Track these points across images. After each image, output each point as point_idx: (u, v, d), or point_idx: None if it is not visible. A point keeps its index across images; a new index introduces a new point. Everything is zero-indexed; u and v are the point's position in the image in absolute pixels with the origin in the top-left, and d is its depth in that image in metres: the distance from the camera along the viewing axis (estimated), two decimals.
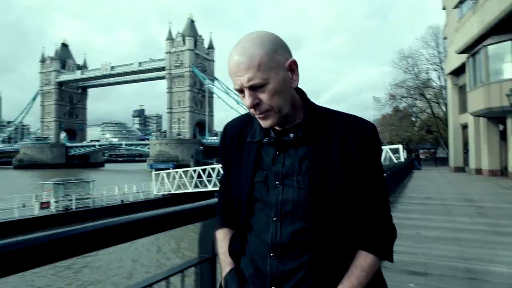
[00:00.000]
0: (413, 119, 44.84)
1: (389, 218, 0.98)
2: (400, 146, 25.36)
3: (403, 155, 23.94)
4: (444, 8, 25.61)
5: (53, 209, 21.98)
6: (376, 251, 0.93)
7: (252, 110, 0.95)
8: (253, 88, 0.91)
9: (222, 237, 1.10)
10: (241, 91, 0.93)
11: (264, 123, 0.96)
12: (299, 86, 0.99)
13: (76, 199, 23.11)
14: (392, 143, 34.05)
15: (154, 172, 30.64)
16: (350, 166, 0.92)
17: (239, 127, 1.08)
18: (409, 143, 43.26)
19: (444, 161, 32.43)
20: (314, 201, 0.91)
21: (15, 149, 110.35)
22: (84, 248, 0.93)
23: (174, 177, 29.92)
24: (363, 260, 0.92)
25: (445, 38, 28.74)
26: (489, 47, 16.36)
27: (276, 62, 0.91)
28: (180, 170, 30.25)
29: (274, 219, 0.95)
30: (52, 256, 0.85)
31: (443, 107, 36.49)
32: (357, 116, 0.99)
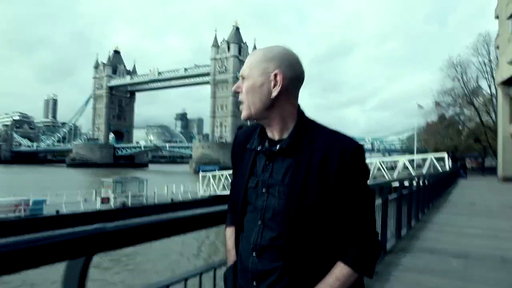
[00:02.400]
0: (460, 127, 43.72)
1: (371, 235, 1.02)
2: (445, 154, 25.20)
3: (448, 164, 23.82)
4: (497, 17, 25.27)
5: (112, 204, 23.91)
6: (353, 265, 0.97)
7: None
8: (242, 79, 1.06)
9: (229, 235, 1.19)
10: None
11: (241, 114, 1.09)
12: (305, 100, 1.30)
13: (132, 196, 24.96)
14: (437, 151, 33.58)
15: (201, 174, 32.17)
16: (328, 184, 0.96)
17: (246, 134, 1.17)
18: (455, 152, 42.20)
19: (492, 171, 31.53)
20: (289, 212, 0.97)
21: (68, 148, 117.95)
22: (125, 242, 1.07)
23: (219, 179, 31.31)
24: (339, 270, 0.97)
25: (497, 48, 28.18)
26: None
27: (262, 67, 1.03)
28: (225, 172, 31.61)
29: (259, 222, 1.03)
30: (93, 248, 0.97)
31: (493, 116, 35.46)
32: (345, 135, 1.02)
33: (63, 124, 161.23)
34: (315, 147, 1.00)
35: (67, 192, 24.71)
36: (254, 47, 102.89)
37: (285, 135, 1.05)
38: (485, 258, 4.28)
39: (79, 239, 0.99)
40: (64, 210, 21.23)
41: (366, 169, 1.03)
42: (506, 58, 20.01)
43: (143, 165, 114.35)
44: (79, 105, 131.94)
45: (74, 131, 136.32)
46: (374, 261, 1.03)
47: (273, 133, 1.07)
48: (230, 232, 1.19)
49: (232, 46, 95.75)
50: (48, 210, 20.73)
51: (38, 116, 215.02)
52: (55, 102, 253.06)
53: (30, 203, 20.04)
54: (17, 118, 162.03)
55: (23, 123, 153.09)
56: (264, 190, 1.04)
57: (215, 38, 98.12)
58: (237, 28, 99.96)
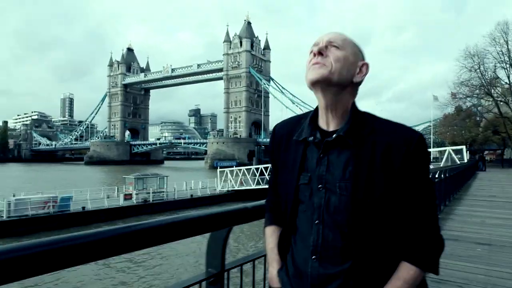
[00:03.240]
0: (478, 118, 43.19)
1: (435, 229, 0.96)
2: (463, 147, 25.16)
3: (466, 156, 23.80)
4: None
5: (134, 200, 24.63)
6: (420, 263, 0.92)
7: (313, 57, 1.00)
8: (328, 45, 1.00)
9: (270, 233, 1.14)
10: (314, 46, 1.02)
11: (313, 73, 0.98)
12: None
13: (152, 192, 25.65)
14: (455, 144, 33.38)
15: (219, 170, 32.73)
16: (394, 176, 0.92)
17: (288, 127, 1.10)
18: (473, 144, 41.78)
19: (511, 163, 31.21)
20: (355, 209, 0.91)
21: (86, 146, 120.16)
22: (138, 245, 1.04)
23: (237, 174, 31.80)
24: (406, 272, 0.92)
25: None
26: None
27: (354, 51, 1.02)
28: (243, 168, 32.06)
29: (316, 222, 0.96)
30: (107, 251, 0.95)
31: None
32: (404, 125, 0.98)
33: (80, 122, 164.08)
34: (376, 138, 0.95)
35: (90, 189, 25.59)
36: (266, 42, 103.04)
37: (338, 125, 1.00)
38: (507, 245, 4.63)
39: (222, 214, 1.35)
40: (89, 206, 22.01)
41: (429, 159, 1.00)
42: None
43: (159, 162, 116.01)
44: (94, 104, 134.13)
45: (91, 129, 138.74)
46: (439, 256, 0.96)
47: (329, 122, 1.02)
48: (270, 230, 1.15)
49: (244, 41, 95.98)
50: (74, 207, 21.54)
51: (55, 115, 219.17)
52: (71, 101, 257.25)
53: (58, 200, 20.87)
54: (35, 117, 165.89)
55: (41, 122, 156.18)
56: (320, 187, 0.97)
57: (227, 33, 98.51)
58: (249, 23, 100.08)
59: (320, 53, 0.98)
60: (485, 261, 3.93)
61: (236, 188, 31.07)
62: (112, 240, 0.95)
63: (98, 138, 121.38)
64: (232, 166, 36.34)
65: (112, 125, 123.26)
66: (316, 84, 0.99)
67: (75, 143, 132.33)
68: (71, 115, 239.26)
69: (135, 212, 23.58)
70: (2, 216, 18.79)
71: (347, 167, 0.95)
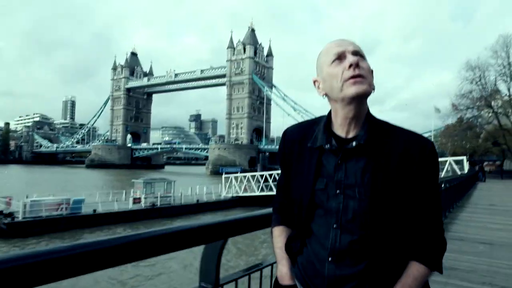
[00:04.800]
0: (478, 130, 43.90)
1: (441, 232, 1.04)
2: (464, 158, 25.85)
3: (466, 167, 24.50)
4: None
5: (142, 204, 25.24)
6: (428, 263, 1.00)
7: (350, 72, 0.99)
8: (356, 55, 1.01)
9: (279, 234, 1.18)
10: (339, 57, 1.01)
11: (358, 88, 0.98)
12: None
13: (160, 197, 26.25)
14: (455, 154, 34.08)
15: (224, 176, 33.36)
16: (409, 181, 0.97)
17: (300, 132, 1.12)
18: (473, 155, 42.47)
19: (511, 174, 31.87)
20: (374, 213, 0.96)
21: (87, 149, 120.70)
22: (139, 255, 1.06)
23: (241, 181, 32.39)
24: (416, 270, 0.99)
25: None
26: None
27: (366, 59, 1.04)
28: (248, 174, 32.70)
29: (334, 226, 1.00)
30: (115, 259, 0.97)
31: None
32: (417, 133, 1.03)
33: (81, 125, 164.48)
34: (392, 145, 1.00)
35: (99, 192, 26.25)
36: (269, 48, 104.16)
37: (357, 132, 1.03)
38: (506, 245, 5.39)
39: (217, 225, 1.31)
40: (100, 209, 22.65)
41: (439, 166, 1.05)
42: None
43: (159, 166, 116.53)
44: (96, 106, 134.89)
45: (92, 133, 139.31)
46: (442, 256, 1.04)
47: (348, 128, 1.04)
48: (279, 231, 1.18)
49: (247, 47, 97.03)
50: (85, 209, 22.17)
51: (57, 117, 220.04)
52: (73, 103, 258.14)
53: (71, 202, 21.51)
54: (37, 119, 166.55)
55: (43, 125, 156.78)
56: (338, 192, 1.01)
57: (231, 40, 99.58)
58: (253, 30, 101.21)
59: (357, 64, 0.99)
60: (487, 256, 4.68)
61: (240, 194, 31.66)
62: (98, 254, 0.91)
63: (99, 141, 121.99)
64: (237, 172, 36.95)
65: (114, 129, 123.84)
66: (358, 99, 1.00)
67: (76, 146, 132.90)
68: (72, 118, 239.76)
69: (143, 216, 24.17)
70: (18, 217, 19.45)
71: (365, 173, 0.99)
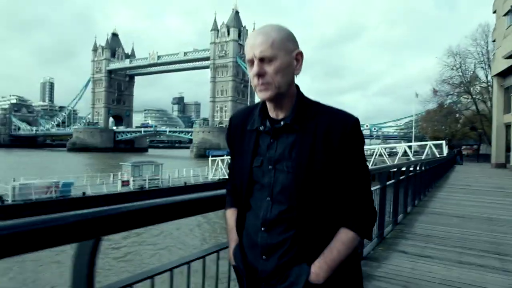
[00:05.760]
0: (457, 115, 45.34)
1: (370, 202, 1.12)
2: (443, 142, 26.97)
3: (445, 150, 25.63)
4: (494, 12, 26.73)
5: (131, 187, 25.54)
6: (356, 229, 1.07)
7: (255, 80, 1.07)
8: (262, 60, 1.05)
9: (230, 216, 1.25)
10: (251, 62, 1.08)
11: (263, 95, 1.07)
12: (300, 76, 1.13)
13: (148, 179, 26.58)
14: (435, 138, 35.33)
15: (210, 158, 33.79)
16: (333, 154, 1.04)
17: (242, 117, 1.21)
18: (452, 139, 43.97)
19: (486, 158, 33.26)
20: (298, 183, 1.04)
21: (68, 132, 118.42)
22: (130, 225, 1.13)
23: (228, 163, 32.73)
24: (344, 235, 1.06)
25: (493, 41, 29.72)
26: None
27: (286, 47, 1.07)
28: None
29: (267, 198, 1.09)
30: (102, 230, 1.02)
31: (489, 105, 37.13)
32: (343, 110, 1.10)
33: (61, 108, 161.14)
34: (318, 121, 1.07)
35: (87, 175, 26.38)
36: None
37: (288, 112, 1.10)
38: (476, 218, 6.18)
39: (88, 220, 1.00)
40: (89, 191, 22.87)
41: (363, 140, 1.11)
42: (502, 52, 21.59)
43: (143, 150, 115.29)
44: (76, 89, 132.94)
45: (73, 115, 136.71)
46: (372, 225, 1.12)
47: (278, 112, 1.12)
48: (231, 212, 1.25)
49: (231, 30, 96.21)
50: (74, 192, 22.36)
51: (35, 99, 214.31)
52: (51, 85, 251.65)
53: (60, 185, 21.66)
54: (14, 101, 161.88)
55: (21, 107, 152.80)
56: (270, 167, 1.09)
57: (215, 22, 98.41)
58: (237, 12, 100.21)
59: (260, 74, 1.05)
60: (459, 227, 5.43)
61: (227, 176, 32.09)
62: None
63: (81, 124, 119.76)
64: (223, 155, 37.40)
65: (96, 111, 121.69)
66: (269, 101, 1.11)
67: (57, 129, 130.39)
68: (51, 100, 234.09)
69: (132, 197, 24.45)
70: (8, 200, 19.55)
71: (293, 149, 1.07)
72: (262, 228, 1.09)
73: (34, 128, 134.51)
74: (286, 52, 1.07)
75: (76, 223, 0.99)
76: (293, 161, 1.06)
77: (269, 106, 1.14)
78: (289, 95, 1.11)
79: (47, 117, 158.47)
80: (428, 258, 3.84)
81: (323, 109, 1.10)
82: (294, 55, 1.09)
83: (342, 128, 1.05)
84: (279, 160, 1.09)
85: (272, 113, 1.13)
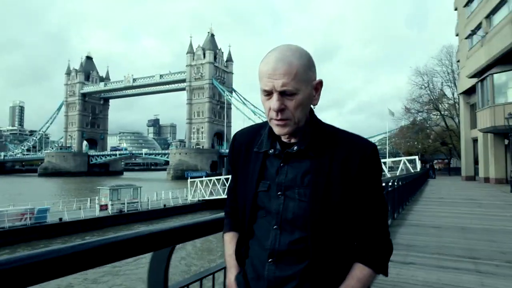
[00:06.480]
0: (428, 131, 47.15)
1: (386, 234, 1.03)
2: (416, 157, 27.99)
3: (418, 165, 26.62)
4: (457, 35, 28.48)
5: (109, 211, 25.07)
6: (373, 265, 0.99)
7: (274, 115, 0.98)
8: (283, 94, 0.96)
9: (229, 240, 1.17)
10: (269, 93, 0.98)
11: (281, 130, 1.00)
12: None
13: (127, 203, 26.19)
14: (409, 154, 36.57)
15: (189, 180, 33.69)
16: (351, 182, 0.97)
17: (248, 137, 1.13)
18: (424, 154, 45.52)
19: (457, 171, 34.74)
20: (314, 214, 0.96)
21: (39, 157, 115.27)
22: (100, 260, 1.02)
23: (207, 185, 32.88)
24: (359, 272, 0.98)
25: (458, 61, 31.53)
26: (495, 75, 19.55)
27: (308, 77, 0.98)
28: (213, 178, 33.25)
29: (274, 227, 1.00)
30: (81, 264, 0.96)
31: (457, 120, 38.92)
32: (361, 136, 1.04)
33: (32, 132, 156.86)
34: (335, 149, 1.01)
35: (62, 200, 25.79)
36: (229, 54, 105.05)
37: (301, 137, 1.04)
38: (451, 227, 6.66)
39: (165, 232, 1.24)
40: (66, 217, 22.32)
41: (381, 169, 1.07)
42: (466, 72, 23.00)
43: (118, 173, 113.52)
44: (48, 112, 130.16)
45: (45, 140, 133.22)
46: (388, 259, 1.04)
47: (291, 137, 1.04)
48: (229, 237, 1.17)
49: (207, 53, 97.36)
50: (50, 218, 21.76)
51: (3, 124, 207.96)
52: (21, 109, 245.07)
53: (35, 211, 21.06)
54: None
55: None
56: (280, 193, 1.02)
57: (190, 45, 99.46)
58: (212, 35, 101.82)
59: (281, 110, 0.97)
60: (437, 236, 5.87)
61: (207, 197, 32.13)
62: (44, 264, 0.88)
63: (53, 148, 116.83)
64: (202, 177, 37.38)
65: (69, 135, 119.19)
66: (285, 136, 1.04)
67: (27, 154, 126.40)
68: (21, 124, 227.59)
69: (111, 222, 24.00)
70: None
71: (306, 175, 1.00)
72: (270, 260, 1.00)
73: (2, 154, 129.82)
74: (308, 83, 0.99)
75: (154, 234, 1.23)
76: (307, 189, 0.99)
77: None
78: (303, 122, 1.04)
79: (17, 142, 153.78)
80: (411, 264, 4.19)
81: (339, 133, 1.05)
82: (314, 85, 1.02)
83: (361, 155, 1.00)
84: (290, 187, 1.01)
85: (284, 137, 1.06)
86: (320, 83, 1.03)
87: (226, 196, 1.30)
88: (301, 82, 0.96)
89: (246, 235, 1.08)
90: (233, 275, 1.11)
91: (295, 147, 1.02)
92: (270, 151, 1.06)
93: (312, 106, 1.04)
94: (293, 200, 1.00)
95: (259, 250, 1.04)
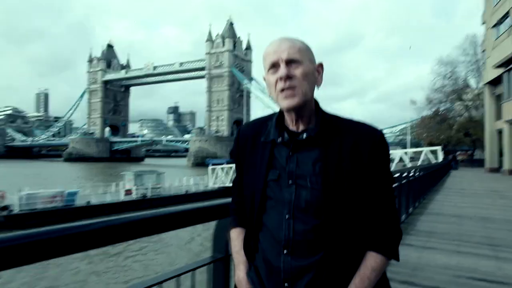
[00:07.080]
0: (451, 122, 46.30)
1: (396, 220, 1.05)
2: (438, 148, 27.70)
3: (441, 156, 26.37)
4: (483, 23, 27.74)
5: (134, 195, 25.98)
6: (385, 252, 1.00)
7: (281, 84, 1.00)
8: (289, 63, 1.00)
9: (235, 236, 1.16)
10: (274, 65, 1.02)
11: (290, 102, 1.00)
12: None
13: (151, 188, 26.99)
14: (431, 144, 36.12)
15: (210, 167, 34.28)
16: (362, 168, 0.98)
17: (254, 129, 1.13)
18: (447, 145, 44.81)
19: (480, 163, 33.94)
20: (327, 201, 0.96)
21: (65, 143, 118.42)
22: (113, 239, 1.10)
23: (227, 172, 33.38)
24: (373, 261, 0.99)
25: (483, 51, 30.77)
26: None
27: (311, 56, 1.05)
28: (234, 165, 33.52)
29: (287, 216, 0.99)
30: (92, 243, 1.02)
31: (481, 111, 38.08)
32: (366, 123, 1.05)
33: (56, 118, 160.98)
34: (343, 137, 1.01)
35: (90, 185, 26.79)
36: (248, 42, 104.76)
37: (308, 126, 1.05)
38: (471, 217, 6.85)
39: (227, 204, 1.32)
40: (93, 201, 23.29)
41: (389, 154, 1.08)
42: (492, 62, 22.54)
43: (139, 159, 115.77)
44: (71, 99, 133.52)
45: (69, 126, 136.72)
46: (398, 244, 1.05)
47: (299, 124, 1.06)
48: (236, 233, 1.16)
49: (226, 41, 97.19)
50: (79, 201, 22.75)
51: (30, 110, 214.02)
52: (46, 96, 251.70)
53: (65, 194, 22.06)
54: (9, 112, 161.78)
55: (16, 118, 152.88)
56: (291, 182, 1.01)
57: (209, 33, 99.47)
58: (231, 23, 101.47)
59: (288, 76, 0.99)
60: (457, 224, 6.11)
61: (227, 184, 32.65)
62: (127, 226, 1.08)
63: (77, 134, 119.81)
64: (223, 164, 37.87)
65: (92, 122, 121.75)
66: (294, 109, 1.03)
67: (52, 140, 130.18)
68: (46, 111, 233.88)
69: (134, 206, 24.87)
70: (13, 210, 19.92)
71: (317, 163, 1.00)
72: (285, 251, 0.99)
73: (29, 139, 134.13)
74: (311, 61, 1.05)
75: (219, 206, 1.47)
76: (318, 176, 0.99)
77: (289, 117, 1.07)
78: (310, 107, 1.06)
79: (42, 128, 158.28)
80: (431, 249, 4.46)
81: (346, 122, 1.06)
82: (316, 66, 1.07)
83: (371, 141, 1.01)
84: (302, 175, 1.01)
85: (291, 125, 1.07)
86: (321, 65, 1.09)
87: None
88: (304, 56, 1.03)
89: (255, 228, 1.07)
90: (242, 271, 1.11)
91: (305, 135, 1.04)
92: (278, 140, 1.06)
93: (316, 87, 1.07)
94: (305, 189, 1.00)
95: (271, 242, 1.02)
